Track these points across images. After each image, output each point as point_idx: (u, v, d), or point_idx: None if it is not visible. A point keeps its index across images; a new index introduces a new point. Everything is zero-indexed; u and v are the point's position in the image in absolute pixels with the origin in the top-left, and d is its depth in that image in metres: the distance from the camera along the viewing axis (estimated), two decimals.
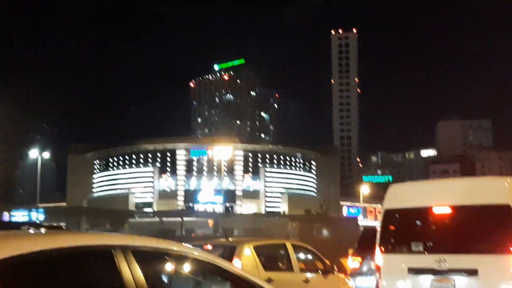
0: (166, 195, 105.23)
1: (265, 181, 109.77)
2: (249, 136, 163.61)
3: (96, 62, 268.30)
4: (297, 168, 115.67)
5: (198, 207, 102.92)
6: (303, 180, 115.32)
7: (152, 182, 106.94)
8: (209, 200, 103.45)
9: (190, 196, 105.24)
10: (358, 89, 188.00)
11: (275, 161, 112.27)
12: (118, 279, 3.07)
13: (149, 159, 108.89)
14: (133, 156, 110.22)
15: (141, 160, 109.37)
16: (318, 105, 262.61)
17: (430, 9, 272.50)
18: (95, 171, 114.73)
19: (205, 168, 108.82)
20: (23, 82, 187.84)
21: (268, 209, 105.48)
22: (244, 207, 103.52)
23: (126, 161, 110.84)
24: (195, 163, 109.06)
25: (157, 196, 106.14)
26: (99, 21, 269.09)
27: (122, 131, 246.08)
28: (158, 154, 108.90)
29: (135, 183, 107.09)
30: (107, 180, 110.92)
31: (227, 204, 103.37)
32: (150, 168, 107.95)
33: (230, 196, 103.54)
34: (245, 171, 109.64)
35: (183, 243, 4.00)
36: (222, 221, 48.74)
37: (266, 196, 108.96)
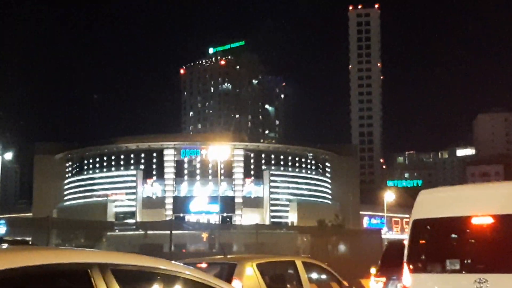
0: (152, 204, 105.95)
1: (270, 186, 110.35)
2: (251, 132, 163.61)
3: (67, 47, 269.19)
4: (308, 171, 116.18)
5: (190, 217, 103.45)
6: (316, 185, 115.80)
7: (135, 188, 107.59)
8: (203, 209, 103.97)
9: (181, 204, 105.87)
10: (381, 76, 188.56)
11: (281, 162, 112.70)
12: None
13: (131, 161, 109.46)
14: (112, 157, 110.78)
15: (122, 162, 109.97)
16: (333, 95, 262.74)
17: None
18: (66, 175, 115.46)
19: (198, 171, 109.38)
20: None
21: (274, 220, 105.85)
22: (245, 218, 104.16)
23: (104, 163, 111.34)
24: (186, 165, 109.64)
25: (140, 204, 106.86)
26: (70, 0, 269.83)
27: (98, 128, 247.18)
28: (142, 155, 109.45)
29: (114, 189, 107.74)
30: (81, 186, 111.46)
31: (225, 214, 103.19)
32: (133, 172, 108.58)
33: (228, 204, 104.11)
34: (246, 174, 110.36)
35: (172, 261, 3.98)
36: (218, 234, 48.74)
37: (271, 204, 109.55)
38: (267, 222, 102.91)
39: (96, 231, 51.17)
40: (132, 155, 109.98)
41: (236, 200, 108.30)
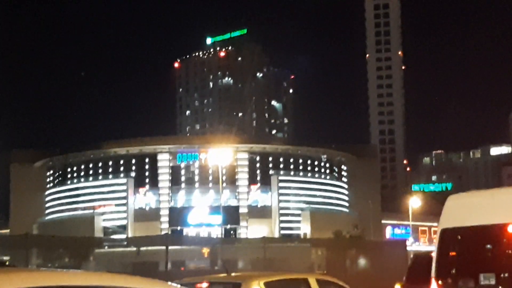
0: (145, 216, 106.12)
1: (279, 194, 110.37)
2: (256, 133, 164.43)
3: (47, 40, 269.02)
4: (322, 176, 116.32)
5: (189, 231, 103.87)
6: (331, 192, 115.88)
7: (125, 198, 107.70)
8: (203, 221, 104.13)
9: (178, 216, 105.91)
10: (402, 66, 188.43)
11: (291, 166, 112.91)
12: None
13: (121, 168, 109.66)
14: (99, 164, 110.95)
15: (110, 170, 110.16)
16: (349, 89, 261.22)
17: None
18: (47, 185, 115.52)
19: (196, 178, 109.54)
20: None
21: (284, 232, 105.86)
22: (251, 230, 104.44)
23: (89, 172, 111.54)
24: (183, 172, 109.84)
25: (132, 217, 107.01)
26: None
27: (83, 132, 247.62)
28: (133, 161, 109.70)
29: (102, 200, 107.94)
30: (64, 198, 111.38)
31: (228, 226, 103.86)
32: (123, 180, 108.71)
33: (231, 215, 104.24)
34: (252, 180, 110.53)
35: (169, 282, 3.98)
36: (221, 250, 48.76)
37: (280, 214, 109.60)
38: (276, 235, 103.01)
39: (82, 249, 51.17)
40: (121, 161, 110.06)
41: (241, 210, 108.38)
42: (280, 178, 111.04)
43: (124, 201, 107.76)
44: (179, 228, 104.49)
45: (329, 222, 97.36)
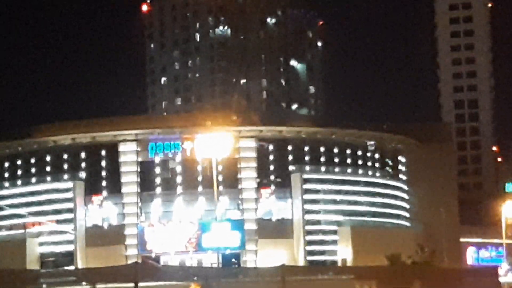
0: (102, 237, 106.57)
1: (304, 201, 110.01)
2: (268, 109, 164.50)
3: None
4: (369, 172, 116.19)
5: (169, 259, 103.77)
6: (381, 196, 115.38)
7: (72, 211, 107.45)
8: (189, 244, 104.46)
9: (151, 237, 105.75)
10: (488, 4, 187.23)
11: (322, 159, 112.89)
12: None
13: (64, 166, 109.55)
14: (32, 160, 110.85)
15: (48, 169, 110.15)
16: (406, 40, 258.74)
17: None
18: None
19: (179, 180, 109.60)
20: None
21: (312, 258, 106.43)
22: (262, 256, 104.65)
23: (17, 172, 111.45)
24: (158, 170, 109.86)
25: (83, 239, 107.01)
26: None
27: (7, 114, 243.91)
28: (82, 155, 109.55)
29: (37, 214, 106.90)
30: None
31: (228, 251, 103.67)
32: (67, 184, 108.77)
33: (233, 233, 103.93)
34: (262, 181, 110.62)
35: None
36: (217, 286, 48.85)
37: (307, 232, 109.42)
38: (301, 263, 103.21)
39: (8, 287, 50.97)
40: (65, 156, 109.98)
41: (247, 226, 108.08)
42: (305, 177, 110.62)
43: (70, 216, 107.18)
44: (153, 254, 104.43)
45: (380, 241, 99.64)
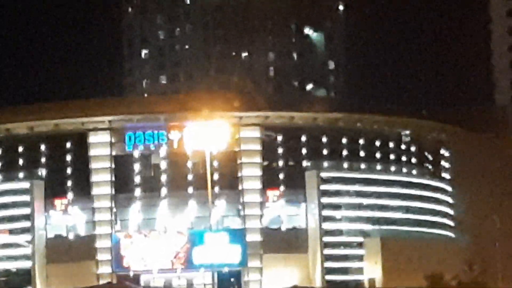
0: (67, 251, 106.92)
1: (322, 206, 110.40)
2: (276, 90, 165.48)
3: None
4: (404, 169, 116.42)
5: (151, 278, 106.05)
6: (419, 199, 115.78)
7: (29, 218, 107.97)
8: (177, 260, 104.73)
9: (129, 251, 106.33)
10: None
11: (344, 152, 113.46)
12: None
13: (19, 162, 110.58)
14: None
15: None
16: (450, 6, 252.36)
17: None
18: None
19: (163, 178, 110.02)
20: None
21: (333, 277, 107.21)
22: (269, 274, 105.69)
23: None
24: (137, 167, 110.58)
25: (43, 253, 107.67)
26: None
27: None
28: (42, 147, 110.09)
29: None
30: None
31: (226, 269, 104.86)
32: (23, 184, 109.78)
33: (232, 246, 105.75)
34: (269, 181, 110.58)
35: None
36: None
37: (325, 244, 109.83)
38: (318, 283, 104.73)
39: None
40: (20, 149, 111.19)
41: (249, 237, 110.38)
42: (323, 175, 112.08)
43: (26, 224, 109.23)
44: (131, 273, 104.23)
45: (417, 257, 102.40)
